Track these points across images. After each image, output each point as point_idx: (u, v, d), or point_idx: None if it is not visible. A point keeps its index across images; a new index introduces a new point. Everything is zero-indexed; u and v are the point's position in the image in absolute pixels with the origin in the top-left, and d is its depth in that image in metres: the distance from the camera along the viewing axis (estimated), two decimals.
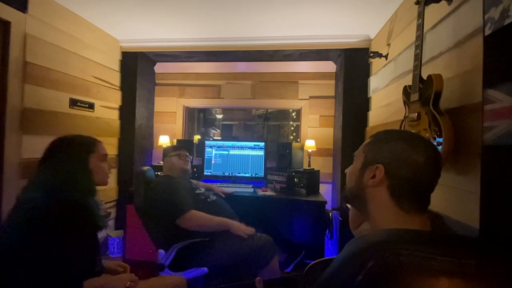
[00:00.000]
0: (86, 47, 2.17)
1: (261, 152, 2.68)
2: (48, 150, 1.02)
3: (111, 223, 2.54)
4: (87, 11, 2.04)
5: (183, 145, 2.30)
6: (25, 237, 0.82)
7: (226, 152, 2.72)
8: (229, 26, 2.19)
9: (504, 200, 0.75)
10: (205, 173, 2.69)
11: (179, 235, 1.59)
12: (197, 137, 2.97)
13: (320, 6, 1.83)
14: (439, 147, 0.98)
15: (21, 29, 1.65)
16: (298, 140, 3.01)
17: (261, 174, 2.65)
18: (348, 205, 0.87)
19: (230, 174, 2.69)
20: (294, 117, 4.02)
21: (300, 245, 2.13)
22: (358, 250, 0.49)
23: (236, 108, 4.25)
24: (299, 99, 2.93)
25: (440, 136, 0.99)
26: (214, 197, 1.89)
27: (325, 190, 2.72)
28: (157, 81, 3.06)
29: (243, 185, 2.55)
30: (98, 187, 1.09)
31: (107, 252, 2.46)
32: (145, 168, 1.85)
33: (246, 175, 2.68)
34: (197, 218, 1.61)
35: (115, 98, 2.52)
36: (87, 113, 2.18)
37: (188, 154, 1.95)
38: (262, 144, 2.69)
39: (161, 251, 1.60)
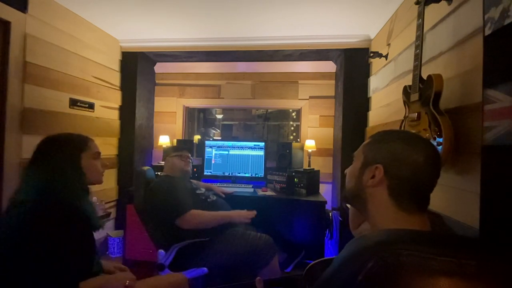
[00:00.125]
0: (86, 47, 2.17)
1: (261, 152, 2.68)
2: (37, 150, 0.99)
3: (111, 223, 2.54)
4: (87, 11, 2.04)
5: (184, 146, 2.30)
6: (18, 239, 0.81)
7: (226, 152, 2.72)
8: (229, 26, 2.19)
9: (504, 200, 0.75)
10: (205, 173, 2.69)
11: (179, 235, 1.59)
12: (197, 137, 2.97)
13: (320, 6, 1.83)
14: (439, 147, 0.98)
15: (21, 29, 1.65)
16: (298, 140, 3.01)
17: (261, 174, 2.65)
18: (348, 205, 0.87)
19: (230, 174, 2.69)
20: (294, 117, 4.02)
21: (300, 245, 2.13)
22: (358, 250, 0.49)
23: (236, 108, 4.25)
24: (299, 99, 2.93)
25: (440, 136, 0.99)
26: (214, 197, 1.89)
27: (325, 190, 2.72)
28: (157, 81, 3.06)
29: (243, 185, 2.55)
30: (96, 187, 1.07)
31: (107, 252, 2.46)
32: (145, 168, 1.85)
33: (246, 175, 2.68)
34: (197, 217, 1.61)
35: (115, 98, 2.52)
36: (87, 113, 2.18)
37: (189, 155, 1.95)
38: (262, 144, 2.69)
39: (161, 251, 1.60)
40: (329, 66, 2.73)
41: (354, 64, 2.30)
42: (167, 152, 1.94)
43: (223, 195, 2.12)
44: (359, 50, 2.28)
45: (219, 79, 3.04)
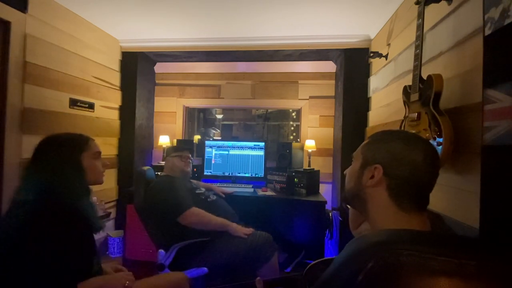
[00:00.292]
0: (86, 47, 2.17)
1: (261, 152, 2.68)
2: (38, 150, 0.98)
3: (111, 223, 2.54)
4: (87, 11, 2.04)
5: (185, 146, 2.30)
6: (18, 239, 0.81)
7: (226, 152, 2.72)
8: (229, 26, 2.19)
9: (504, 200, 0.75)
10: (205, 173, 2.69)
11: (179, 235, 1.59)
12: (197, 137, 2.97)
13: (320, 6, 1.83)
14: (439, 147, 0.98)
15: (21, 29, 1.65)
16: (298, 140, 3.01)
17: (261, 174, 2.65)
18: (348, 206, 0.87)
19: (230, 174, 2.69)
20: (294, 117, 4.02)
21: (300, 245, 2.13)
22: (358, 250, 0.49)
23: (236, 108, 4.25)
24: (299, 99, 2.93)
25: (440, 136, 0.99)
26: (214, 197, 1.90)
27: (325, 190, 2.72)
28: (157, 81, 3.06)
29: (243, 185, 2.55)
30: (96, 187, 1.07)
31: (107, 252, 2.46)
32: (145, 168, 1.85)
33: (246, 175, 2.68)
34: (198, 214, 1.61)
35: (115, 98, 2.52)
36: (87, 113, 2.18)
37: (190, 155, 1.95)
38: (262, 144, 2.69)
39: (161, 251, 1.60)
40: (329, 66, 2.73)
41: (354, 64, 2.30)
42: (168, 152, 1.94)
43: (223, 195, 2.12)
44: (359, 50, 2.28)
45: (219, 79, 3.04)
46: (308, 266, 0.85)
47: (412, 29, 1.24)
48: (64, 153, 0.98)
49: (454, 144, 0.99)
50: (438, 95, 1.02)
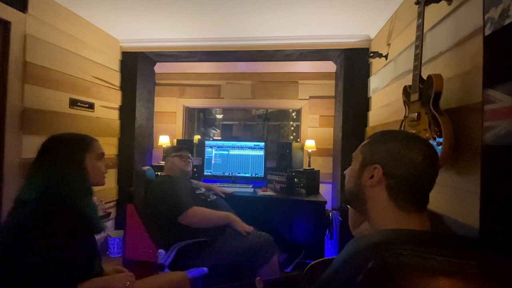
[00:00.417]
0: (86, 47, 2.17)
1: (261, 152, 2.68)
2: (42, 150, 0.99)
3: (111, 223, 2.54)
4: (87, 11, 2.04)
5: (185, 146, 2.29)
6: (20, 240, 0.81)
7: (226, 152, 2.72)
8: (229, 26, 2.19)
9: (504, 200, 0.75)
10: (205, 173, 2.69)
11: (179, 235, 1.59)
12: (197, 137, 2.97)
13: (320, 6, 1.83)
14: (439, 147, 0.98)
15: (21, 29, 1.65)
16: (298, 140, 3.01)
17: (261, 174, 2.65)
18: (348, 206, 0.87)
19: (230, 174, 2.69)
20: (294, 117, 4.02)
21: (300, 245, 2.13)
22: (358, 250, 0.49)
23: (236, 108, 4.25)
24: (299, 99, 2.93)
25: (440, 136, 0.99)
26: (214, 197, 1.90)
27: (325, 190, 2.72)
28: (157, 81, 3.06)
29: (243, 185, 2.55)
30: (96, 187, 1.07)
31: (107, 252, 2.46)
32: (145, 168, 1.85)
33: (246, 175, 2.68)
34: (199, 213, 1.61)
35: (115, 98, 2.52)
36: (87, 113, 2.18)
37: (189, 155, 1.95)
38: (262, 144, 2.69)
39: (161, 251, 1.60)
40: (329, 66, 2.73)
41: (354, 64, 2.30)
42: (167, 152, 1.94)
43: (223, 195, 2.12)
44: (359, 50, 2.28)
45: (219, 79, 3.04)
46: (308, 266, 0.85)
47: (412, 29, 1.24)
48: (68, 153, 0.99)
49: (454, 144, 0.99)
50: (438, 95, 1.02)
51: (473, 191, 0.93)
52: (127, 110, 2.58)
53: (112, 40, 2.47)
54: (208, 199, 1.83)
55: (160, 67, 2.96)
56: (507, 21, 0.76)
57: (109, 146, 2.47)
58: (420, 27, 1.12)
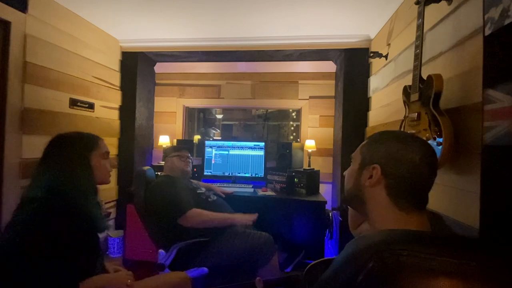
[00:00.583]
0: (86, 47, 2.17)
1: (261, 152, 2.68)
2: (48, 148, 1.00)
3: (111, 223, 2.54)
4: (87, 11, 2.04)
5: (184, 145, 2.30)
6: (24, 237, 0.82)
7: (226, 152, 2.72)
8: (229, 26, 2.19)
9: (504, 200, 0.75)
10: (205, 173, 2.69)
11: (180, 235, 1.59)
12: (197, 137, 2.97)
13: (320, 6, 1.83)
14: (439, 147, 0.98)
15: (21, 29, 1.65)
16: (298, 140, 3.01)
17: (261, 174, 2.65)
18: (348, 206, 0.87)
19: (230, 174, 2.69)
20: (294, 117, 4.02)
21: (300, 245, 2.13)
22: (358, 250, 0.49)
23: (236, 108, 4.25)
24: (299, 99, 2.93)
25: (440, 136, 0.99)
26: (215, 197, 1.90)
27: (325, 190, 2.72)
28: (157, 81, 3.06)
29: (243, 185, 2.55)
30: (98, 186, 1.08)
31: (107, 252, 2.46)
32: (145, 168, 1.85)
33: (246, 175, 2.68)
34: (198, 216, 1.61)
35: (115, 98, 2.52)
36: (87, 113, 2.18)
37: (189, 155, 1.95)
38: (262, 144, 2.69)
39: (161, 251, 1.60)
40: (329, 66, 2.73)
41: (354, 64, 2.30)
42: (167, 152, 1.94)
43: (223, 195, 2.12)
44: (359, 50, 2.28)
45: (219, 79, 3.04)
46: (308, 266, 0.85)
47: (412, 29, 1.24)
48: (74, 152, 1.00)
49: (454, 144, 0.99)
50: (438, 95, 1.02)
51: (473, 191, 0.93)
52: (127, 110, 2.58)
53: (112, 40, 2.47)
54: (209, 199, 1.83)
55: (160, 67, 2.96)
56: (507, 21, 0.76)
57: (109, 146, 2.42)
58: (420, 27, 1.12)
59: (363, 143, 0.71)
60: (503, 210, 0.76)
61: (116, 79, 2.54)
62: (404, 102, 1.25)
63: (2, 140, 1.58)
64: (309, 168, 2.47)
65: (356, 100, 2.29)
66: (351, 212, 0.90)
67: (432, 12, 1.24)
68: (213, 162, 2.72)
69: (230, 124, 4.69)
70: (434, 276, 0.41)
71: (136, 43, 2.54)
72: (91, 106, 2.21)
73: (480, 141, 0.84)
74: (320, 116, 2.87)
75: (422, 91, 1.10)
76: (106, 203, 2.40)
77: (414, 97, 1.13)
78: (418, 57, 1.12)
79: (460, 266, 0.41)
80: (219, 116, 4.61)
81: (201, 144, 2.78)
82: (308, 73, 2.91)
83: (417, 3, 1.16)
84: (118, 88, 2.56)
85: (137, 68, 2.58)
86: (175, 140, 2.87)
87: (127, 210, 2.35)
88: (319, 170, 2.50)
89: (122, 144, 2.57)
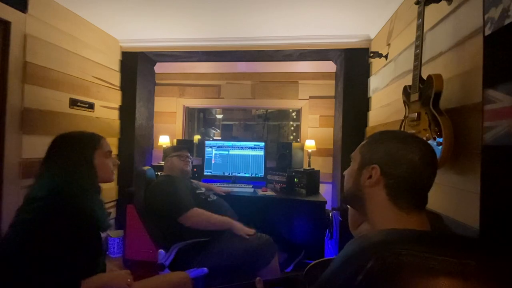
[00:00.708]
0: (86, 47, 2.17)
1: (261, 152, 2.68)
2: (52, 147, 1.01)
3: (111, 223, 2.54)
4: (87, 11, 2.04)
5: (184, 145, 2.30)
6: (27, 235, 0.82)
7: (226, 152, 2.72)
8: (229, 26, 2.19)
9: (504, 200, 0.75)
10: (205, 173, 2.69)
11: (180, 235, 1.59)
12: (197, 137, 2.97)
13: (320, 6, 1.83)
14: (439, 147, 0.98)
15: (21, 29, 1.65)
16: (298, 140, 3.01)
17: (261, 174, 2.65)
18: (348, 206, 0.87)
19: (230, 174, 2.69)
20: (294, 117, 4.02)
21: (300, 245, 2.13)
22: (358, 250, 0.49)
23: (236, 108, 4.25)
24: (299, 99, 2.93)
25: (440, 136, 0.99)
26: (215, 197, 1.90)
27: (325, 190, 2.72)
28: (157, 81, 3.06)
29: (243, 185, 2.55)
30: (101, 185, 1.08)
31: (107, 252, 2.46)
32: (145, 168, 1.85)
33: (246, 175, 2.68)
34: (199, 215, 1.61)
35: (115, 98, 2.52)
36: (87, 113, 2.18)
37: (189, 155, 1.95)
38: (262, 144, 2.69)
39: (161, 251, 1.60)
40: (329, 66, 2.73)
41: (354, 64, 2.30)
42: (167, 152, 1.94)
43: (224, 194, 2.12)
44: (359, 50, 2.28)
45: (219, 79, 3.04)
46: (308, 266, 0.85)
47: (412, 29, 1.24)
48: (77, 151, 1.00)
49: (454, 144, 0.99)
50: (438, 95, 1.02)
51: (473, 191, 0.93)
52: (127, 110, 2.58)
53: (112, 40, 2.47)
54: (209, 199, 1.83)
55: (160, 67, 2.96)
56: (507, 21, 0.76)
57: None
58: (420, 27, 1.12)
59: (363, 142, 0.71)
60: (503, 210, 0.76)
61: (116, 79, 2.54)
62: (404, 102, 1.25)
63: (2, 140, 1.58)
64: (309, 168, 2.47)
65: (356, 100, 2.29)
66: (351, 212, 0.90)
67: (432, 12, 1.24)
68: (213, 162, 2.72)
69: (230, 124, 4.69)
70: (433, 276, 0.41)
71: (136, 43, 2.54)
72: (91, 106, 2.21)
73: (480, 141, 0.84)
74: (320, 116, 2.87)
75: (422, 91, 1.10)
76: (106, 203, 2.38)
77: (414, 97, 1.13)
78: (418, 57, 1.12)
79: (460, 266, 0.41)
80: (219, 116, 4.61)
81: (201, 144, 2.78)
82: (308, 73, 2.91)
83: (417, 3, 1.16)
84: (118, 88, 2.56)
85: (137, 68, 2.58)
86: (175, 140, 2.87)
87: (127, 210, 2.35)
88: (319, 170, 2.50)
89: (122, 144, 2.57)
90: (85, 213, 0.92)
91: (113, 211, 2.52)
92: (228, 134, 4.51)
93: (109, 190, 2.45)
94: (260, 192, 2.32)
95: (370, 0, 1.74)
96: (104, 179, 1.07)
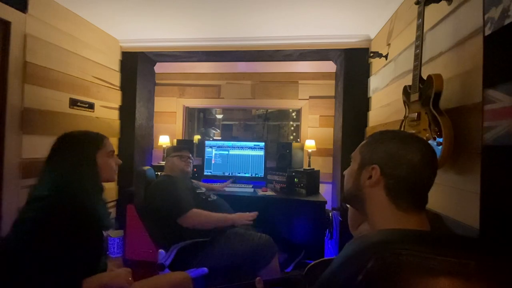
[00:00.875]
0: (86, 47, 2.17)
1: (261, 152, 2.68)
2: (55, 147, 1.01)
3: (113, 222, 2.54)
4: (87, 11, 2.04)
5: (185, 146, 2.30)
6: (30, 234, 0.83)
7: (226, 152, 2.72)
8: (229, 26, 2.19)
9: (504, 200, 0.75)
10: (205, 173, 2.69)
11: (179, 235, 1.59)
12: (197, 137, 2.97)
13: (320, 6, 1.83)
14: (439, 147, 0.98)
15: (21, 29, 1.65)
16: (298, 140, 3.01)
17: (261, 174, 2.65)
18: (348, 206, 0.87)
19: (230, 174, 2.69)
20: (294, 117, 4.01)
21: (300, 245, 2.13)
22: (358, 250, 0.49)
23: (236, 108, 4.25)
24: (299, 99, 2.93)
25: (440, 136, 0.99)
26: (215, 197, 1.90)
27: (325, 190, 2.72)
28: (157, 81, 3.06)
29: (243, 185, 2.55)
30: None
31: (107, 252, 2.46)
32: (145, 168, 1.85)
33: (246, 175, 2.68)
34: (198, 216, 1.61)
35: (115, 98, 2.52)
36: (87, 113, 2.18)
37: (190, 155, 1.95)
38: (262, 144, 2.69)
39: (161, 251, 1.60)
40: (329, 66, 2.73)
41: (354, 64, 2.30)
42: (168, 152, 1.95)
43: (225, 190, 2.12)
44: (359, 50, 2.28)
45: (219, 79, 3.04)
46: (308, 266, 0.85)
47: (412, 29, 1.24)
48: (80, 150, 1.01)
49: (454, 144, 0.99)
50: (438, 95, 1.02)
51: (473, 191, 0.93)
52: (127, 110, 2.58)
53: (112, 40, 2.47)
54: (209, 199, 1.83)
55: (160, 67, 2.96)
56: (507, 21, 0.76)
57: None
58: (420, 27, 1.12)
59: (363, 142, 0.71)
60: (503, 210, 0.76)
61: (116, 79, 2.54)
62: (404, 102, 1.25)
63: (2, 140, 1.58)
64: (309, 168, 2.47)
65: (356, 100, 2.29)
66: (351, 212, 0.90)
67: (432, 12, 1.24)
68: (213, 162, 2.72)
69: (230, 124, 4.69)
70: (433, 276, 0.41)
71: (136, 43, 2.54)
72: (91, 106, 2.21)
73: (480, 141, 0.84)
74: (320, 116, 2.87)
75: (422, 91, 1.10)
76: (106, 203, 2.40)
77: (414, 97, 1.13)
78: (418, 57, 1.12)
79: (460, 266, 0.41)
80: (219, 116, 4.61)
81: (201, 144, 2.78)
82: (308, 73, 2.91)
83: (417, 3, 1.16)
84: (118, 88, 2.56)
85: (137, 68, 2.58)
86: (175, 140, 2.87)
87: (127, 210, 2.35)
88: (319, 170, 2.50)
89: (122, 144, 2.57)
90: (87, 212, 0.93)
91: (113, 211, 2.52)
92: (228, 134, 4.51)
93: (109, 190, 2.45)
94: (260, 192, 2.32)
95: (370, 0, 1.74)
96: (106, 178, 1.07)
